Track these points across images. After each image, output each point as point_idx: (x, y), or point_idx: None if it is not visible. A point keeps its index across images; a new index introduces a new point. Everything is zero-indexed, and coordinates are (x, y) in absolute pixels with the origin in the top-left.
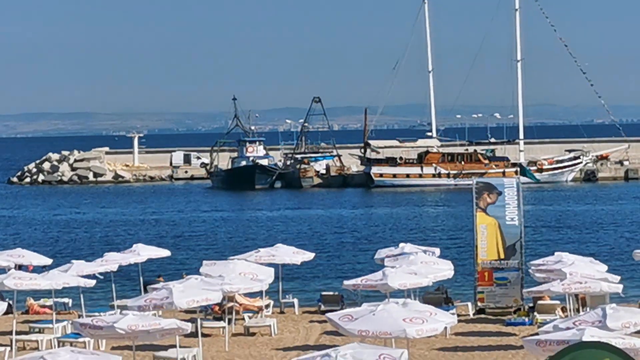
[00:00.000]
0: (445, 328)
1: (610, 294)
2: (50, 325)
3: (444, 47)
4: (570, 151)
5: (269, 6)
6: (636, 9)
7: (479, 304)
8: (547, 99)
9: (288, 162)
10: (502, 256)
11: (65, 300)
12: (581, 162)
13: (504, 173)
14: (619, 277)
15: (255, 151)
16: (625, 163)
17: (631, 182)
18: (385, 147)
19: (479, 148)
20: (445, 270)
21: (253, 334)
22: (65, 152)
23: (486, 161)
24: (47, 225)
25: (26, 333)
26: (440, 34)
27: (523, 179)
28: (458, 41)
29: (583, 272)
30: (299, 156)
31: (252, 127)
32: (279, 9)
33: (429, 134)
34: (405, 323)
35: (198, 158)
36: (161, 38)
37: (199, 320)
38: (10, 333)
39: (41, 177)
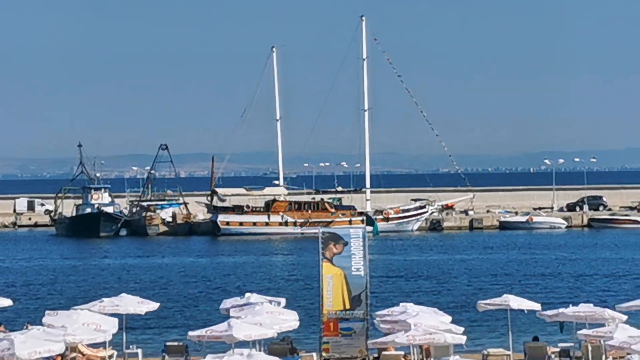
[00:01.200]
0: None
1: (454, 345)
2: None
3: (293, 95)
4: (415, 200)
5: (113, 50)
6: (478, 63)
7: (324, 354)
8: (393, 148)
9: (134, 210)
10: (348, 306)
11: None
12: (427, 212)
13: (350, 222)
14: (462, 329)
15: (100, 198)
16: (470, 212)
17: (475, 231)
18: (233, 195)
19: (325, 197)
20: (290, 320)
21: None
22: None
23: (333, 210)
24: None
25: None
26: (289, 81)
27: (369, 228)
28: (307, 89)
29: (427, 323)
30: (145, 203)
31: (98, 174)
32: (123, 53)
33: (276, 182)
34: None
35: (42, 205)
36: (4, 80)
37: None
38: None
39: None
